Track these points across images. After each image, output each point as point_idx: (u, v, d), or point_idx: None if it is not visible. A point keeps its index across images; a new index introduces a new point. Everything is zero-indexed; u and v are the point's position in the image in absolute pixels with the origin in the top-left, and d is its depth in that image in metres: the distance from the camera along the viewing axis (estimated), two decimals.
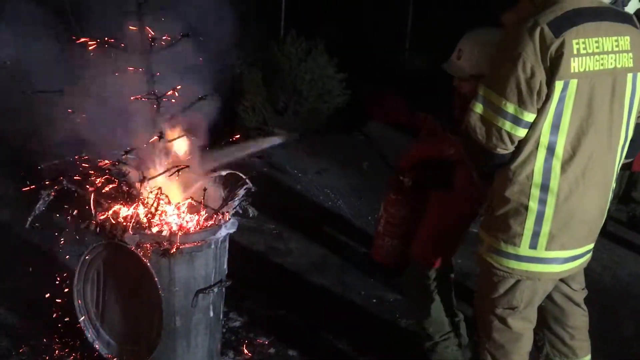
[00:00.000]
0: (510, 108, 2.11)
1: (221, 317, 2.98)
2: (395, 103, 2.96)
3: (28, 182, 2.78)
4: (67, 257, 3.85)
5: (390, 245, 3.02)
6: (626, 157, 2.44)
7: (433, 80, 2.89)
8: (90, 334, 2.84)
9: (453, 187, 2.76)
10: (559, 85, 2.06)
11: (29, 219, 2.68)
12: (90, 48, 2.62)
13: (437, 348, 2.96)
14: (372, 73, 7.39)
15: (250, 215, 2.89)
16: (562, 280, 2.47)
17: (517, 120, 2.12)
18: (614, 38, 2.13)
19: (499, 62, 2.15)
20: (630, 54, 2.16)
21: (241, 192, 2.85)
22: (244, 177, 2.89)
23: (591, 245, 2.39)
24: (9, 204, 4.34)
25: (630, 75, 2.17)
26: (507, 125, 2.13)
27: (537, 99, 2.09)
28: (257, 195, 2.94)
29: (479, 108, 2.18)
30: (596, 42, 2.08)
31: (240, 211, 2.87)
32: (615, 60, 2.13)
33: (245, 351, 3.21)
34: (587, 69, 2.08)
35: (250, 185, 2.86)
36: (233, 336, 3.32)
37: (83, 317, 2.83)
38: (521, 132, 2.14)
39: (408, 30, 8.36)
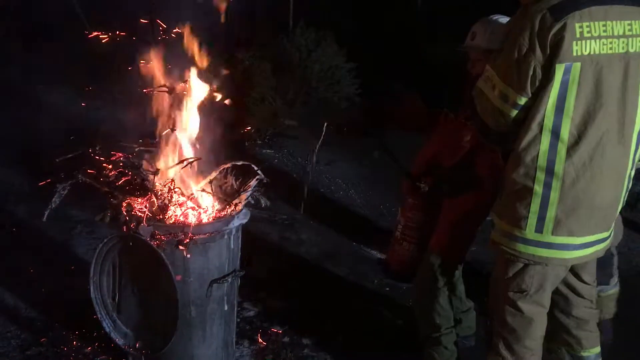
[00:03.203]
0: (504, 88, 2.16)
1: (235, 307, 3.00)
2: (414, 107, 2.95)
3: (44, 177, 2.82)
4: (83, 249, 3.91)
5: (408, 250, 3.02)
6: None
7: (447, 68, 2.92)
8: (107, 325, 2.87)
9: (480, 184, 2.76)
10: (559, 68, 2.05)
11: (46, 212, 2.71)
12: (102, 42, 2.64)
13: (442, 339, 2.97)
14: (383, 62, 7.36)
15: (263, 205, 2.91)
16: (571, 270, 2.44)
17: (508, 100, 2.17)
18: (627, 22, 2.10)
19: (504, 44, 2.20)
20: None
21: (253, 183, 2.87)
22: (255, 168, 2.91)
23: (605, 234, 2.35)
24: (25, 199, 4.39)
25: None
26: (499, 103, 2.19)
27: (530, 83, 2.11)
28: (269, 186, 2.96)
29: (481, 84, 2.26)
30: (604, 25, 2.06)
31: (253, 202, 2.89)
32: (627, 44, 2.10)
33: (260, 340, 3.25)
34: (592, 52, 2.06)
35: (262, 176, 2.88)
36: (247, 326, 3.35)
37: (100, 309, 2.87)
38: (513, 113, 2.18)
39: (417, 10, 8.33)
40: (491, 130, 2.32)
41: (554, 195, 2.19)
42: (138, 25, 2.76)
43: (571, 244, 2.27)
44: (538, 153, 2.17)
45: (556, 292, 2.49)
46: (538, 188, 2.20)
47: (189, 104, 2.88)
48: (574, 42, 2.04)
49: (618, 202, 2.31)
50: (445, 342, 2.97)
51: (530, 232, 2.25)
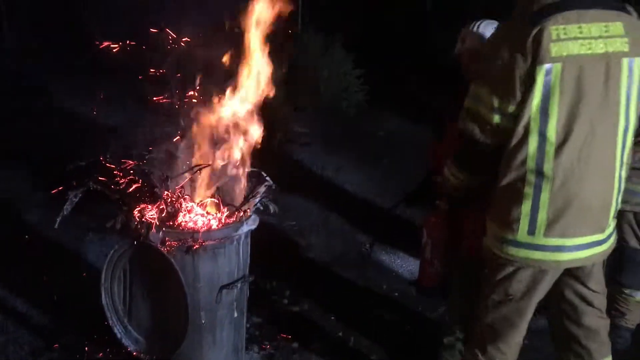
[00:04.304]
0: (494, 101, 2.19)
1: (245, 312, 3.02)
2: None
3: (55, 184, 2.86)
4: (94, 256, 3.94)
5: (440, 268, 3.04)
6: None
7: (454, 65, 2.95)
8: (118, 331, 2.90)
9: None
10: (540, 70, 2.10)
11: (57, 219, 2.75)
12: (113, 51, 2.68)
13: (457, 345, 2.98)
14: (391, 64, 7.38)
15: (271, 211, 2.93)
16: (576, 278, 2.42)
17: (500, 111, 2.19)
18: (603, 24, 2.14)
19: (485, 56, 2.25)
20: (626, 39, 2.16)
21: (262, 189, 2.89)
22: (264, 174, 2.94)
23: (599, 236, 2.32)
24: (37, 206, 4.43)
25: (626, 60, 2.17)
26: (490, 117, 2.21)
27: (519, 91, 2.14)
28: (278, 192, 2.98)
29: (469, 103, 2.29)
30: (579, 27, 2.11)
31: (262, 208, 2.91)
32: (605, 45, 2.14)
33: (269, 346, 3.26)
34: (571, 53, 2.10)
35: (271, 182, 2.91)
36: (257, 331, 3.37)
37: (111, 315, 2.89)
38: (504, 122, 2.20)
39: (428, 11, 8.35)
40: (473, 148, 2.34)
41: (545, 197, 2.20)
42: (148, 34, 2.80)
43: (564, 245, 2.25)
44: (527, 155, 2.19)
45: (565, 302, 2.47)
46: (529, 190, 2.20)
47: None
48: (552, 44, 2.09)
49: (610, 202, 2.29)
50: (460, 347, 2.97)
51: (522, 234, 2.25)
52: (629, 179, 3.06)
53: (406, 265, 4.14)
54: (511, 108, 2.18)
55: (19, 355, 3.10)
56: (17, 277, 3.69)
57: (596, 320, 2.48)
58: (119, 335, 2.90)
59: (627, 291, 3.26)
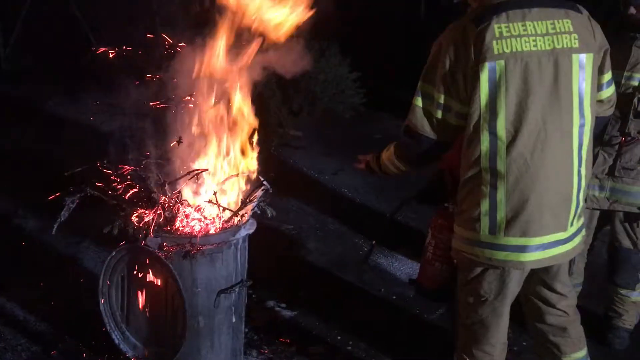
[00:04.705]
0: (444, 99, 2.21)
1: (243, 316, 3.02)
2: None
3: (52, 190, 2.86)
4: (92, 262, 3.94)
5: (440, 270, 3.04)
6: None
7: None
8: (116, 337, 2.89)
9: None
10: (483, 68, 2.11)
11: (54, 225, 2.74)
12: (110, 57, 2.68)
13: None
14: (388, 66, 7.38)
15: (269, 215, 2.93)
16: (540, 280, 2.41)
17: (451, 110, 2.22)
18: (549, 22, 2.15)
19: (432, 54, 2.25)
20: (575, 35, 2.17)
21: (259, 193, 2.89)
22: (261, 178, 2.94)
23: (562, 235, 2.28)
24: (34, 212, 4.43)
25: (575, 56, 2.17)
26: (441, 115, 2.23)
27: (463, 89, 2.16)
28: (275, 196, 2.98)
29: (418, 101, 2.29)
30: (523, 25, 2.13)
31: (259, 212, 2.91)
32: (553, 41, 2.14)
33: (268, 350, 3.26)
34: (515, 50, 2.11)
35: (268, 186, 2.90)
36: (255, 335, 3.36)
37: (109, 321, 2.89)
38: (456, 121, 2.23)
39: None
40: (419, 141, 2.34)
41: (500, 195, 2.19)
42: (144, 39, 2.80)
43: (526, 245, 2.23)
44: (480, 154, 2.19)
45: (528, 302, 2.49)
46: (485, 189, 2.20)
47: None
48: (494, 42, 2.10)
49: (569, 200, 2.26)
50: None
51: (484, 234, 2.24)
52: (620, 178, 3.08)
53: (404, 269, 4.14)
54: (457, 105, 2.19)
55: None
56: (14, 283, 3.68)
57: (561, 319, 2.48)
58: (116, 341, 2.89)
59: (622, 292, 3.27)
